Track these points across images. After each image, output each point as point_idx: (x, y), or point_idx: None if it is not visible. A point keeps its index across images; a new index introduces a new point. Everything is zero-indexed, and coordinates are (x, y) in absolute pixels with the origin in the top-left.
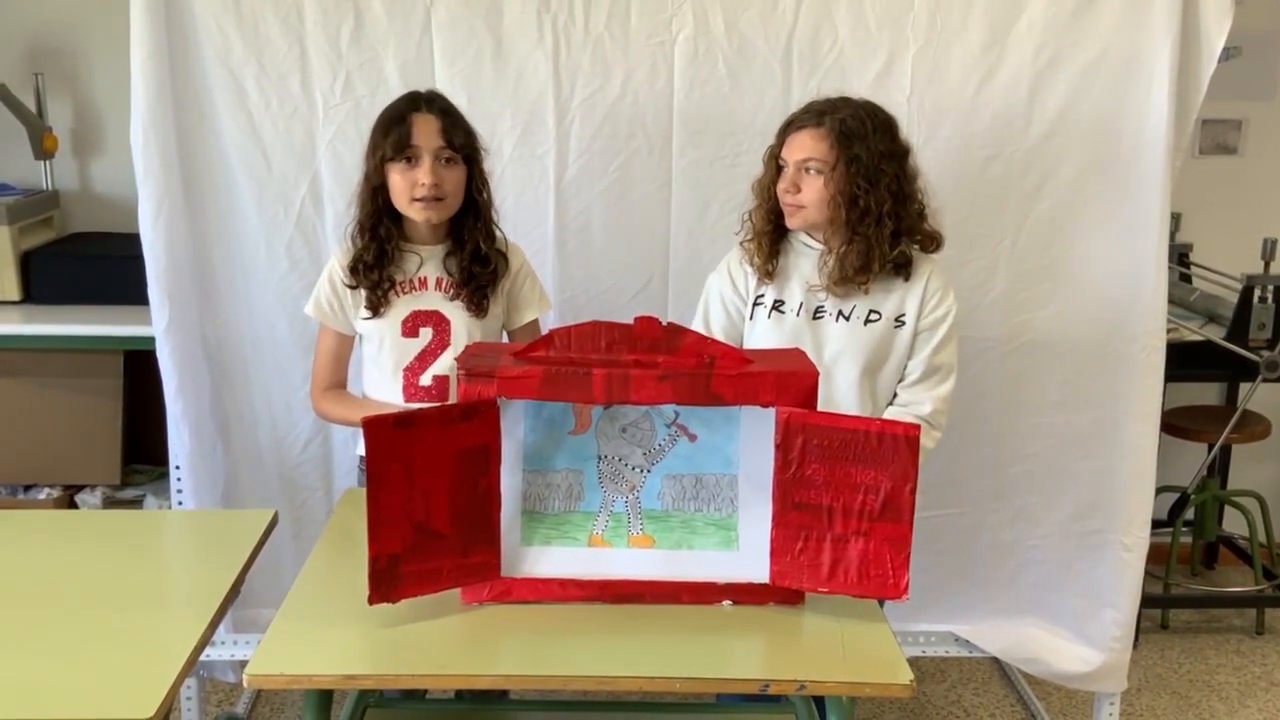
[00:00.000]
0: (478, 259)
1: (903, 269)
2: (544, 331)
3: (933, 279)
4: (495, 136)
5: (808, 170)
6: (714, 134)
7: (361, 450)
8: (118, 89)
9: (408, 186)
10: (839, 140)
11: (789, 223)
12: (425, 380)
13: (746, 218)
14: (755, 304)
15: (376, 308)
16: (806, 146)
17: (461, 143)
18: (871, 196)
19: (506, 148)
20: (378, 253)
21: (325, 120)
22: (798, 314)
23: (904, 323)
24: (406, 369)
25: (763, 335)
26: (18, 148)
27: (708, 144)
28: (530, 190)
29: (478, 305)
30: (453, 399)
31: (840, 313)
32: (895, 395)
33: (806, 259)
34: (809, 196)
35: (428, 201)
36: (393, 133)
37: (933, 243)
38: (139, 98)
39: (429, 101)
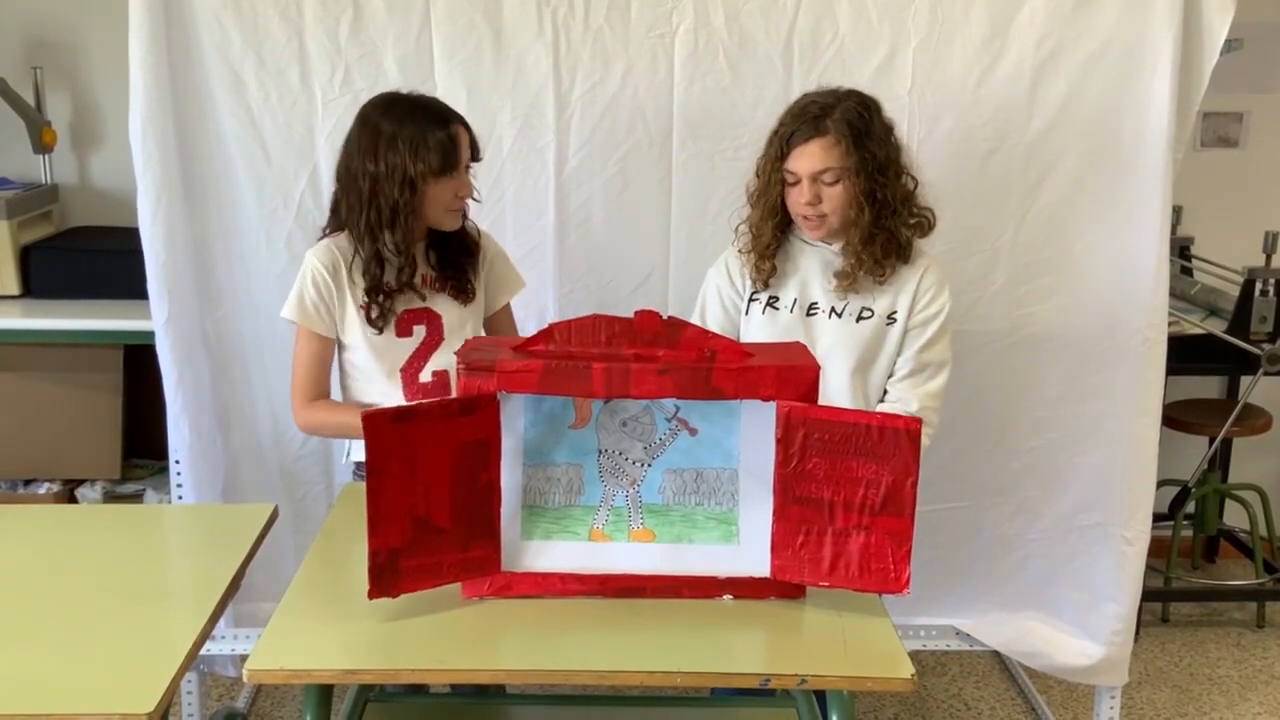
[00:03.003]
0: (464, 248)
1: (904, 251)
2: (525, 321)
3: (927, 276)
4: (495, 130)
5: (824, 181)
6: (714, 127)
7: (357, 456)
8: (116, 83)
9: (449, 199)
10: (852, 143)
11: (811, 235)
12: (425, 377)
13: (746, 230)
14: (751, 299)
15: (383, 324)
16: (819, 157)
17: (476, 150)
18: (888, 188)
19: (506, 141)
20: (407, 261)
21: (324, 113)
22: (791, 310)
23: (895, 320)
24: (402, 369)
25: (757, 330)
26: (17, 142)
27: (708, 138)
28: (530, 184)
29: (463, 292)
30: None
31: (833, 309)
32: (885, 392)
33: (805, 256)
34: (830, 205)
35: (460, 211)
36: (443, 146)
37: (926, 223)
38: (138, 91)
39: (454, 114)
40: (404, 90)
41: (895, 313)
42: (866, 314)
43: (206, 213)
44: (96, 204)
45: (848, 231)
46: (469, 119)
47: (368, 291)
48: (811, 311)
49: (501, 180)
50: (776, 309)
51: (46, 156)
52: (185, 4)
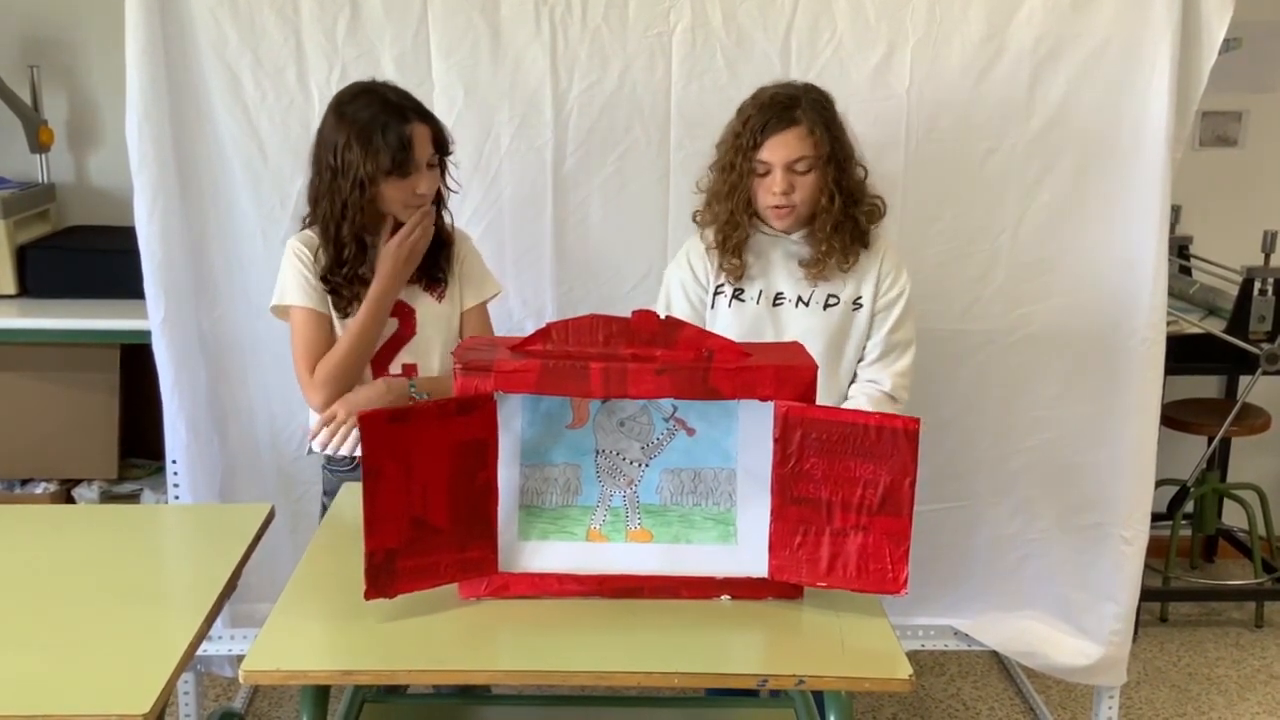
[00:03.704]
0: (437, 240)
1: (864, 236)
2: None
3: (887, 259)
4: (493, 129)
5: (797, 170)
6: (712, 126)
7: (317, 448)
8: (113, 82)
9: (405, 196)
10: (825, 132)
11: (779, 225)
12: (394, 369)
13: (714, 226)
14: (716, 293)
15: (348, 308)
16: (794, 146)
17: (443, 144)
18: (851, 176)
19: (504, 140)
20: (355, 253)
21: (321, 113)
22: (757, 301)
23: (861, 305)
24: (372, 359)
25: (725, 324)
26: (13, 141)
27: (706, 136)
28: (528, 182)
29: (436, 283)
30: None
31: (800, 298)
32: (856, 374)
33: (767, 248)
34: (801, 195)
35: (420, 206)
36: (393, 148)
37: (877, 210)
38: (134, 90)
39: (415, 111)
40: (383, 80)
41: (860, 298)
42: (833, 301)
43: (203, 212)
44: (93, 203)
45: (815, 220)
46: (466, 118)
47: (323, 276)
48: (778, 301)
49: (499, 179)
50: (743, 301)
51: (43, 156)
52: (182, 3)
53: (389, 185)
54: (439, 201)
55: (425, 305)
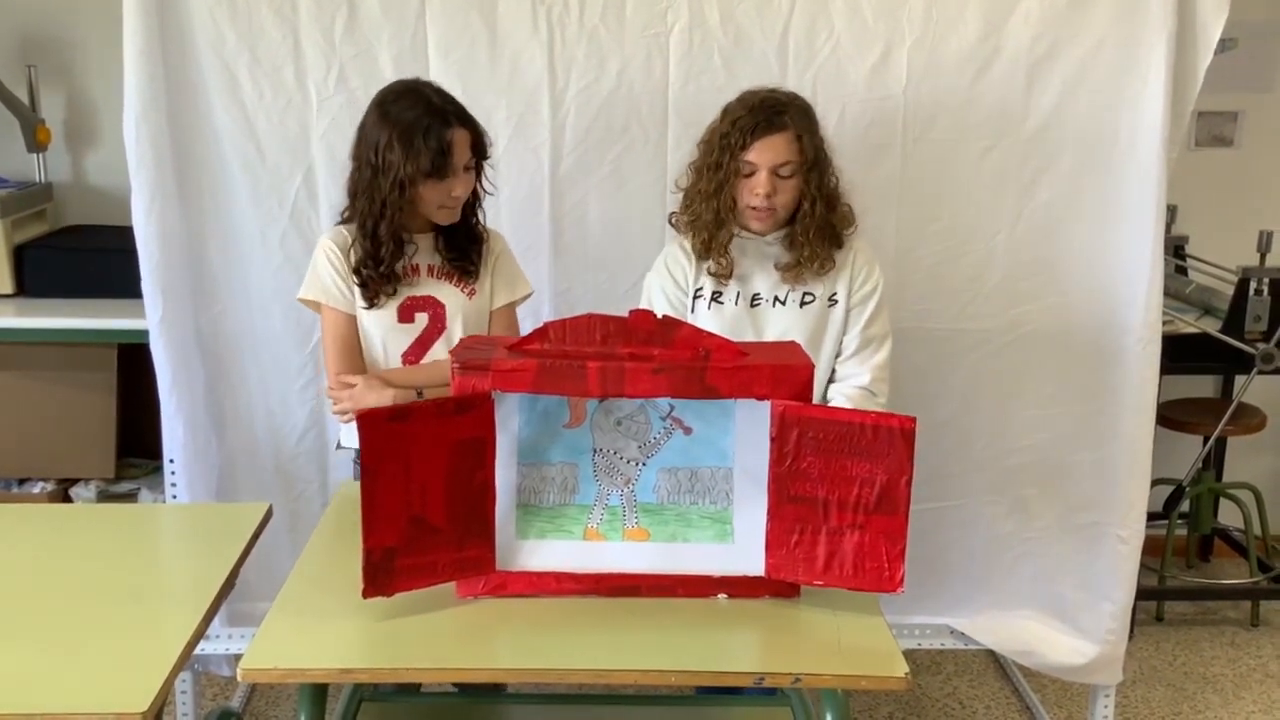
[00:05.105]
0: (470, 235)
1: (838, 239)
2: (520, 320)
3: (859, 256)
4: (490, 128)
5: (781, 174)
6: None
7: (350, 442)
8: (111, 81)
9: (441, 198)
10: (809, 139)
11: (756, 226)
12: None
13: (700, 227)
14: (695, 296)
15: (375, 299)
16: (782, 151)
17: (482, 148)
18: (830, 183)
19: (501, 140)
20: (393, 250)
21: (319, 112)
22: (735, 303)
23: (837, 301)
24: (404, 355)
25: (704, 327)
26: (11, 140)
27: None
28: (526, 182)
29: (467, 276)
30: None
31: (776, 298)
32: (834, 371)
33: (741, 251)
34: (782, 199)
35: (454, 208)
36: (433, 151)
37: (850, 216)
38: (132, 90)
39: (457, 115)
40: (426, 80)
41: (835, 295)
42: (809, 299)
43: (201, 211)
44: (91, 202)
45: (792, 224)
46: None
47: (355, 269)
48: (755, 302)
49: (496, 179)
50: (721, 303)
51: (41, 155)
52: (180, 2)
53: (426, 187)
54: (475, 201)
55: (455, 301)
